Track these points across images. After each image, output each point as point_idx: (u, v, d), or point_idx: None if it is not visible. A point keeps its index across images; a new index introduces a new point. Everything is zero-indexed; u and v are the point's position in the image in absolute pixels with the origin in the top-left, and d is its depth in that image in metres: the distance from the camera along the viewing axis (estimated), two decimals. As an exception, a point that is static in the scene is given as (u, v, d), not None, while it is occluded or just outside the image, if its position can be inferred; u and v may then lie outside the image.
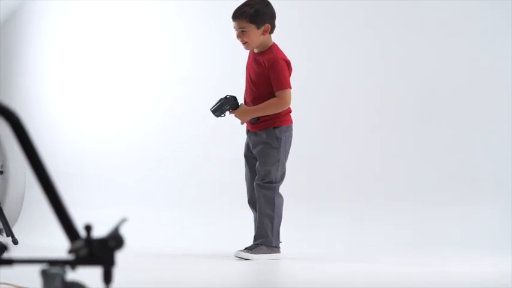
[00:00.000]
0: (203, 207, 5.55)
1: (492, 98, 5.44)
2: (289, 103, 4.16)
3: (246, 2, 4.17)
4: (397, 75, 5.58)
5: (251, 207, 4.31)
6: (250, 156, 4.27)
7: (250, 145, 4.24)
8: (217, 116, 4.14)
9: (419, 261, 4.23)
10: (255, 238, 4.20)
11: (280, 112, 4.17)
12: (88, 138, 5.90)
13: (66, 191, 3.40)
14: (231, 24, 4.16)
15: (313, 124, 5.52)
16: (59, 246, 2.54)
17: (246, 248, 4.16)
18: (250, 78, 4.19)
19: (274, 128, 4.18)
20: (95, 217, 3.70)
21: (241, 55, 4.37)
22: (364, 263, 4.18)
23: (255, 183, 4.19)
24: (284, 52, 4.25)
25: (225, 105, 4.11)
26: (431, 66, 5.54)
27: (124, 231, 2.14)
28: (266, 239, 4.16)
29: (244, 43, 4.14)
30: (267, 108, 4.12)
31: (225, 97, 4.13)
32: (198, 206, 5.57)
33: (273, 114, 4.16)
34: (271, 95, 4.15)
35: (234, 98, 4.14)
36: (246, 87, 4.25)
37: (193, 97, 5.81)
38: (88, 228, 2.05)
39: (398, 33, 5.55)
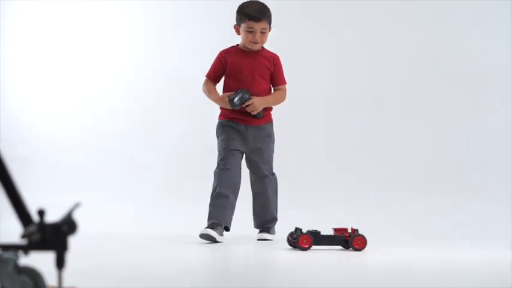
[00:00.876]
0: (158, 192, 5.54)
1: (491, 91, 5.50)
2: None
3: (259, 3, 4.36)
4: (392, 66, 5.61)
5: (228, 193, 4.31)
6: (239, 151, 4.40)
7: (250, 140, 4.40)
8: (237, 104, 4.27)
9: (417, 253, 4.21)
10: (265, 223, 4.50)
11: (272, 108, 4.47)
12: (46, 123, 5.87)
13: (22, 176, 3.41)
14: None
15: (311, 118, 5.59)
16: (11, 231, 2.53)
17: (262, 231, 4.48)
18: (254, 75, 4.37)
19: (271, 122, 4.48)
20: (51, 202, 3.69)
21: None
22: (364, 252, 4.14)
23: (259, 176, 4.43)
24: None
25: (245, 94, 4.27)
26: (427, 57, 5.59)
27: (78, 216, 2.15)
28: (275, 221, 4.53)
29: (257, 43, 4.34)
30: (276, 101, 4.43)
31: (243, 90, 4.29)
32: (153, 191, 5.56)
33: (269, 110, 4.44)
34: (268, 89, 4.42)
35: (249, 90, 4.31)
36: (245, 83, 4.36)
37: (144, 82, 5.80)
38: (41, 213, 2.05)
39: (397, 24, 5.61)
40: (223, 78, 4.47)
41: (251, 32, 4.31)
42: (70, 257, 2.09)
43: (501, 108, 5.54)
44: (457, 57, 5.58)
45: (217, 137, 4.44)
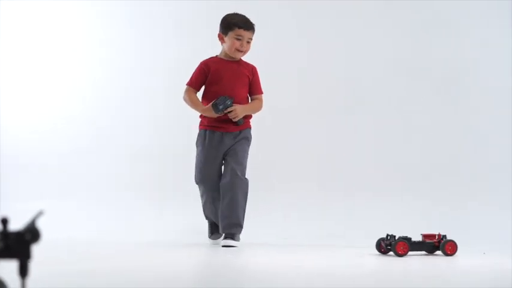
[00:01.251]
0: (121, 200, 5.49)
1: (489, 92, 5.51)
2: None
3: (244, 15, 4.60)
4: (385, 67, 5.62)
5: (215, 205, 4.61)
6: (218, 157, 4.59)
7: (226, 144, 4.58)
8: (220, 110, 4.46)
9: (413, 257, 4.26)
10: (230, 228, 4.51)
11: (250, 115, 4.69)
12: (15, 126, 5.79)
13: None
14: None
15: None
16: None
17: (227, 238, 4.50)
18: (235, 82, 4.58)
19: (249, 128, 4.67)
20: (20, 209, 3.67)
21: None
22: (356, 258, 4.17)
23: (231, 175, 4.51)
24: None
25: (228, 100, 4.46)
26: (420, 58, 5.60)
27: (42, 224, 2.14)
28: (241, 228, 4.54)
29: (243, 52, 4.58)
30: (254, 110, 4.65)
31: (226, 97, 4.48)
32: (116, 198, 5.50)
33: (248, 118, 4.65)
34: (247, 97, 4.64)
35: (232, 97, 4.50)
36: (225, 91, 4.54)
37: (114, 82, 5.74)
38: (4, 221, 2.05)
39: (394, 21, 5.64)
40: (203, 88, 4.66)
41: (239, 39, 4.54)
42: (33, 265, 2.09)
43: (499, 109, 5.54)
44: (453, 58, 5.53)
45: (197, 147, 4.65)
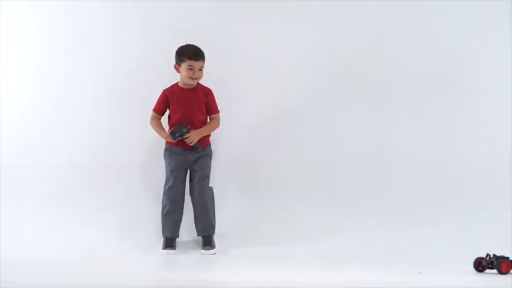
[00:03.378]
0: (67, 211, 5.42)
1: (487, 93, 5.49)
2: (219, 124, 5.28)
3: (195, 46, 5.17)
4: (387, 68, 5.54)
5: (176, 210, 5.18)
6: (182, 170, 5.19)
7: (189, 157, 5.18)
8: (177, 136, 5.10)
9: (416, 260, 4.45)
10: (206, 230, 5.16)
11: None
12: None
13: None
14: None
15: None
16: None
17: (206, 245, 5.11)
18: (192, 108, 5.18)
19: (208, 145, 5.27)
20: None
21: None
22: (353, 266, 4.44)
23: (199, 185, 5.14)
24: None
25: (184, 128, 5.09)
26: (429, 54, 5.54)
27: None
28: (214, 230, 5.19)
29: (196, 79, 5.16)
30: (211, 129, 5.25)
31: (182, 125, 5.10)
32: (53, 215, 5.41)
33: (206, 137, 5.24)
34: (205, 119, 5.23)
35: (187, 124, 5.12)
36: (184, 116, 5.16)
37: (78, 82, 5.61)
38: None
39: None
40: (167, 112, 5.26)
41: (191, 69, 5.13)
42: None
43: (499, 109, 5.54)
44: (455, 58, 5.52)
45: (164, 159, 5.24)
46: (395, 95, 5.54)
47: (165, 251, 5.09)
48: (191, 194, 5.22)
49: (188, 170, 5.23)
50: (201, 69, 5.15)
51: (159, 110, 5.26)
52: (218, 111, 5.26)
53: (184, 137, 5.13)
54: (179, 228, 5.19)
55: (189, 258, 4.98)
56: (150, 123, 5.26)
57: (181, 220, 5.19)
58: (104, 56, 5.56)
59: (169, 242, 5.14)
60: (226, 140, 5.44)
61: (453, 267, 4.55)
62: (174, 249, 5.12)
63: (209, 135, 5.27)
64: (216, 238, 5.19)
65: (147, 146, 5.45)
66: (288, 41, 5.54)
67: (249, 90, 5.52)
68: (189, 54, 5.12)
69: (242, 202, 5.45)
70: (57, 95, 5.57)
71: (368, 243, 5.15)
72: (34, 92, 5.58)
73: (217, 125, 5.27)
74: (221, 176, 5.41)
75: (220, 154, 5.42)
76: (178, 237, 5.18)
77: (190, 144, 5.15)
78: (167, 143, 5.23)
